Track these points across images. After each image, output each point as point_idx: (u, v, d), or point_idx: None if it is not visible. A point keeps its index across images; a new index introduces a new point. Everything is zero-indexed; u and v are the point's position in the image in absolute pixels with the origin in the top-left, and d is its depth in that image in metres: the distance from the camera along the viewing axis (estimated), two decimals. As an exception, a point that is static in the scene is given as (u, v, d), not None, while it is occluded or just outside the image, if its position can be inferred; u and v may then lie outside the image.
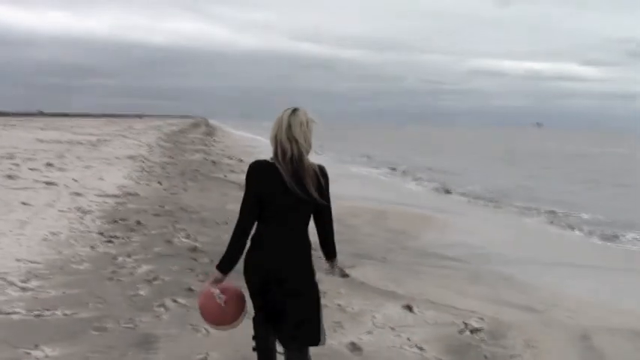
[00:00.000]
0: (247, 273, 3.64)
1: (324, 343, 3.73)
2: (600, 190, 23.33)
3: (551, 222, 14.73)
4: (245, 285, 3.68)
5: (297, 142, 3.48)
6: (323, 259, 3.90)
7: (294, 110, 3.53)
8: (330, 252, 3.81)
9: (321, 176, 3.57)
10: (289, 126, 3.49)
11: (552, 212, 16.30)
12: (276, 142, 3.51)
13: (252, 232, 3.62)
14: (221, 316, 3.71)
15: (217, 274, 3.65)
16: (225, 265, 3.61)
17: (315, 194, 3.52)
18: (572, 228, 13.90)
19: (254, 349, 3.81)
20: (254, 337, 3.79)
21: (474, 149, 56.40)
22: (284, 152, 3.49)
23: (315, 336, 3.65)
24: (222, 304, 3.64)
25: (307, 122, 3.54)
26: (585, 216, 15.78)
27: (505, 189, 21.97)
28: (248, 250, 3.62)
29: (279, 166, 3.49)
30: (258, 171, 3.53)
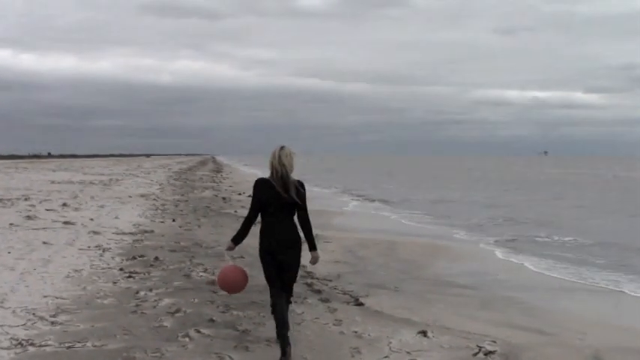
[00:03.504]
0: (261, 251, 5.57)
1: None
2: (607, 214, 23.47)
3: (557, 248, 14.89)
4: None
5: (284, 166, 5.46)
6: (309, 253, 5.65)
7: (282, 147, 5.54)
8: (310, 243, 5.59)
9: (299, 187, 5.51)
10: (279, 156, 5.47)
11: (558, 239, 16.47)
12: (272, 166, 5.50)
13: (260, 225, 5.54)
14: (234, 277, 5.68)
15: (230, 243, 5.72)
16: (236, 240, 5.69)
17: (296, 198, 5.48)
18: (579, 254, 14.05)
19: (272, 313, 5.60)
20: (271, 305, 5.59)
21: (479, 179, 56.61)
22: (277, 172, 5.48)
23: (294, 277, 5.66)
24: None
25: (290, 154, 5.52)
26: (590, 241, 15.96)
27: (510, 216, 22.18)
28: (260, 238, 5.54)
29: (273, 182, 5.46)
30: (260, 184, 5.54)
